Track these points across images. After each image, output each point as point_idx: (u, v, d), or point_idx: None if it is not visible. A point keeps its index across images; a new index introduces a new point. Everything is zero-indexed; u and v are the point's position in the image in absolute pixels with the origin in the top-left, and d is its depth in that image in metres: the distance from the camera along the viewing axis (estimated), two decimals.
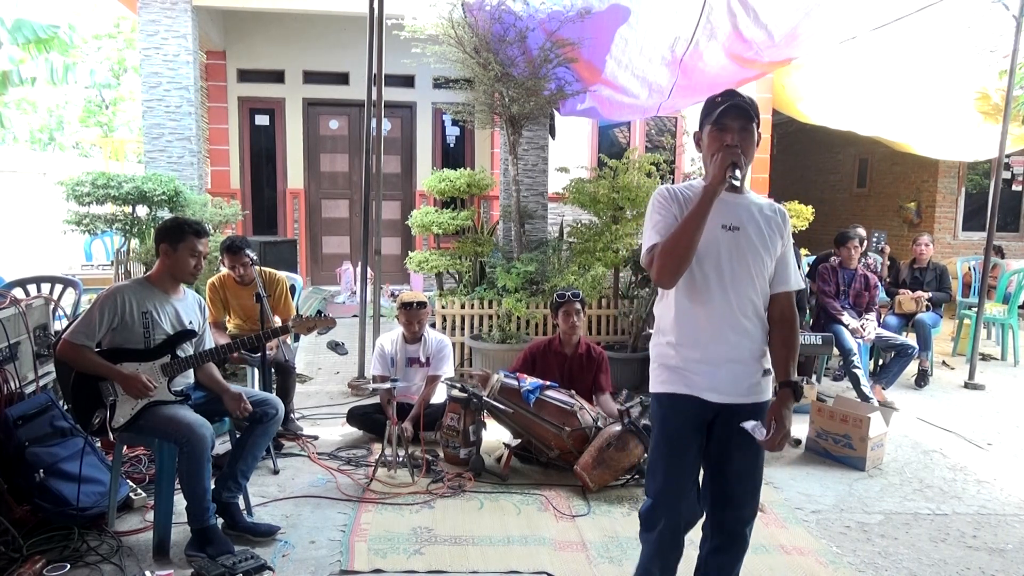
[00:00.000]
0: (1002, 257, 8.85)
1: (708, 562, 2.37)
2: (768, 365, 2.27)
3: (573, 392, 4.10)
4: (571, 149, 8.22)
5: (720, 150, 2.13)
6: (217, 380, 3.24)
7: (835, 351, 5.38)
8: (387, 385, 4.12)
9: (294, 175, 9.76)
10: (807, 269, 7.00)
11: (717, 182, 2.09)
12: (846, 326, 5.38)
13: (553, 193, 7.24)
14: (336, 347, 6.74)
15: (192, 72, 7.27)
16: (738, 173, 2.12)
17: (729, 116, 2.18)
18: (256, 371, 4.60)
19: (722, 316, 2.20)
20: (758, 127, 2.22)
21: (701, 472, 2.37)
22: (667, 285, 2.18)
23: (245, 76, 9.57)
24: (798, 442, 4.50)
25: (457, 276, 6.46)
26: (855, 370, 5.20)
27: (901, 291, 6.24)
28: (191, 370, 3.22)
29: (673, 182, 2.20)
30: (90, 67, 10.83)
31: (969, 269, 7.50)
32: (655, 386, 2.32)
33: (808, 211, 7.84)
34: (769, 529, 3.37)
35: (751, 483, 2.29)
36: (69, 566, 2.83)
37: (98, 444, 3.46)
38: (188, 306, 3.24)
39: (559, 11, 5.49)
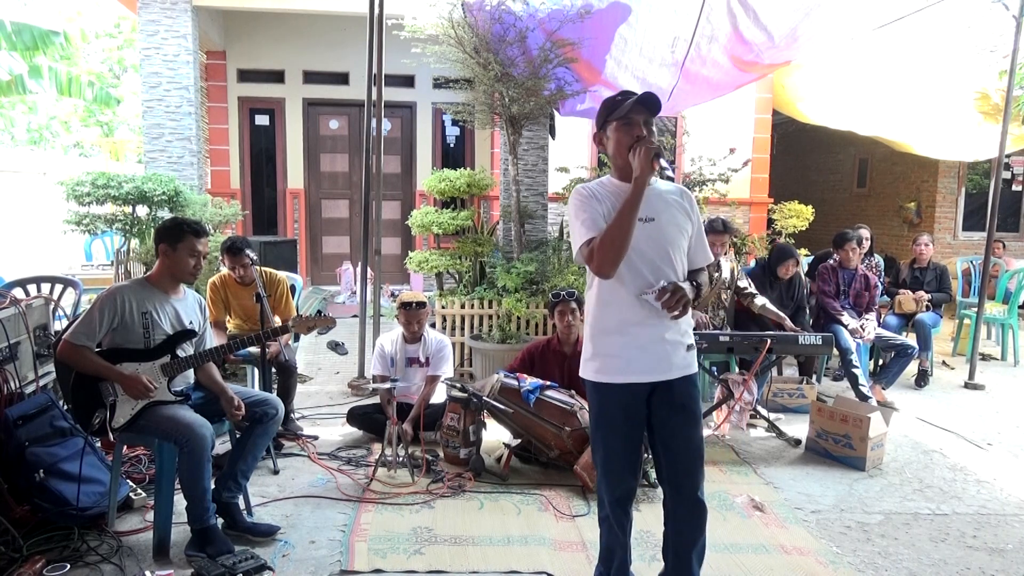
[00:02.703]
0: (1003, 247, 8.72)
1: (676, 532, 2.49)
2: (691, 340, 2.47)
3: (573, 392, 4.10)
4: (571, 149, 8.23)
5: (634, 144, 2.30)
6: (216, 380, 3.24)
7: (835, 351, 5.38)
8: (387, 385, 4.12)
9: (294, 175, 9.77)
10: (806, 268, 7.01)
11: (646, 174, 2.26)
12: (845, 326, 5.38)
13: (553, 193, 7.24)
14: (336, 347, 6.74)
15: (192, 72, 7.27)
16: (663, 162, 2.26)
17: (633, 111, 2.35)
18: (256, 371, 4.60)
19: (648, 301, 2.34)
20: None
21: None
22: (608, 275, 2.31)
23: (245, 76, 9.57)
24: (798, 442, 4.50)
25: (457, 276, 6.46)
26: (854, 370, 5.20)
27: (901, 291, 6.24)
28: (191, 370, 3.22)
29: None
30: (89, 79, 10.86)
31: (969, 264, 7.47)
32: (589, 374, 2.47)
33: (808, 211, 7.87)
34: (769, 529, 3.37)
35: (697, 451, 2.46)
36: (69, 566, 2.82)
37: (98, 444, 3.46)
38: (188, 306, 3.24)
39: (559, 10, 5.49)
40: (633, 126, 2.34)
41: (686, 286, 2.36)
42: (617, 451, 2.45)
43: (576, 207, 2.38)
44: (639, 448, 2.52)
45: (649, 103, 2.34)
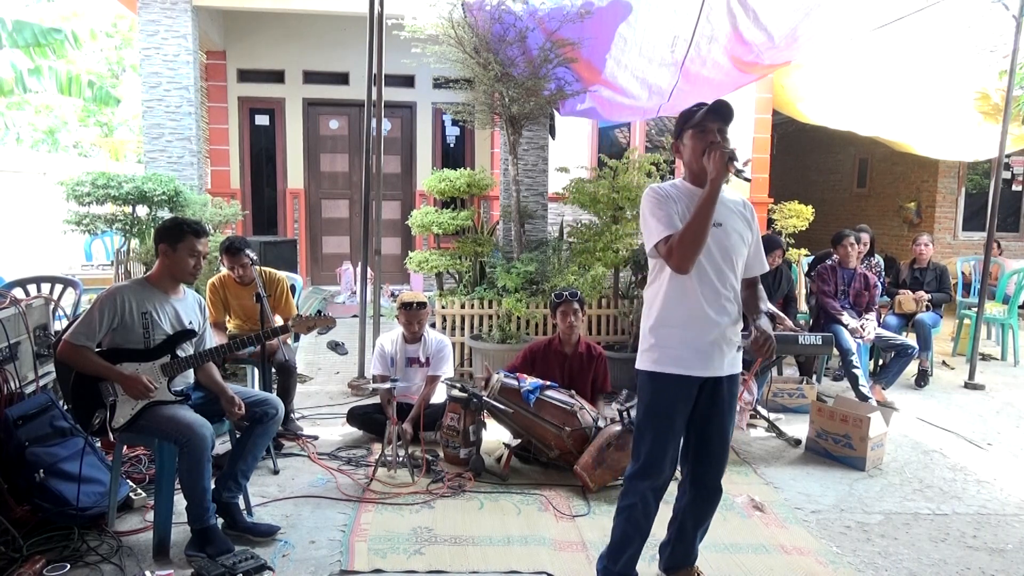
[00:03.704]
0: (999, 248, 8.71)
1: (687, 511, 2.72)
2: (740, 342, 2.61)
3: (573, 392, 4.10)
4: (571, 149, 8.22)
5: (708, 148, 2.42)
6: (216, 380, 3.24)
7: (835, 351, 5.38)
8: (387, 385, 4.12)
9: (294, 175, 9.76)
10: (806, 268, 7.01)
11: (721, 176, 2.38)
12: (845, 326, 5.38)
13: (553, 193, 7.23)
14: (336, 347, 6.74)
15: (192, 72, 7.27)
16: (738, 164, 2.40)
17: (707, 120, 2.48)
18: (256, 371, 4.60)
19: (712, 302, 2.50)
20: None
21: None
22: (687, 270, 2.43)
23: (245, 76, 9.57)
24: (798, 442, 4.50)
25: (457, 276, 6.46)
26: (854, 370, 5.20)
27: (901, 291, 6.24)
28: (191, 370, 3.22)
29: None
30: (89, 78, 10.86)
31: (970, 264, 7.47)
32: (646, 364, 2.57)
33: (808, 211, 7.86)
34: (769, 529, 3.37)
35: (727, 444, 2.67)
36: (69, 566, 2.83)
37: (98, 444, 3.46)
38: (188, 306, 3.24)
39: (559, 8, 5.48)
40: (707, 133, 2.46)
41: (770, 329, 2.57)
42: (665, 441, 2.56)
43: (652, 205, 2.50)
44: (681, 439, 2.63)
45: (722, 111, 2.48)
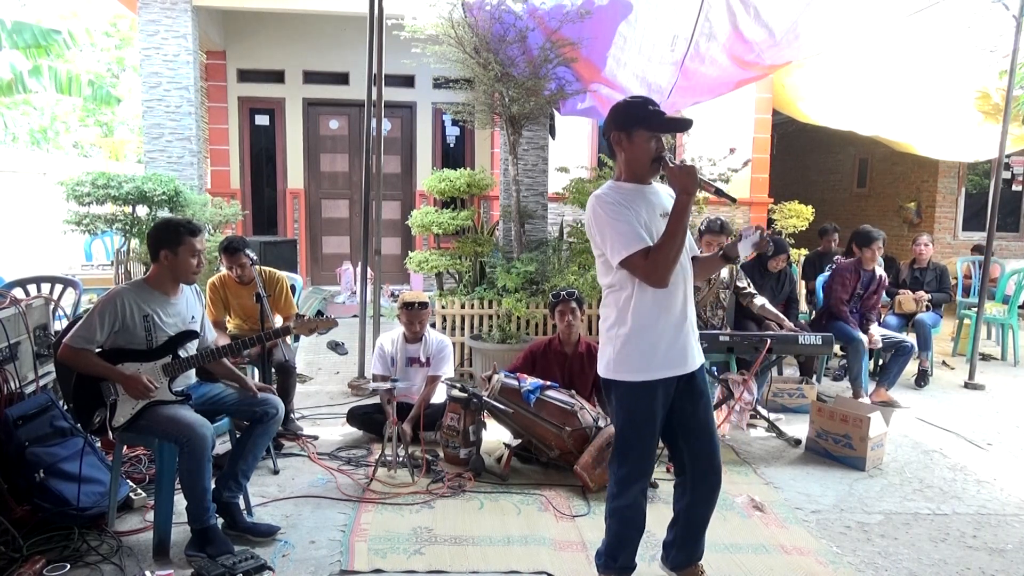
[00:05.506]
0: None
1: (692, 508, 2.68)
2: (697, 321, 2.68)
3: (573, 392, 4.10)
4: (571, 149, 8.22)
5: (664, 161, 2.45)
6: (231, 370, 3.35)
7: (835, 351, 5.37)
8: (387, 385, 4.12)
9: (294, 175, 9.77)
10: (800, 271, 7.02)
11: (694, 192, 2.39)
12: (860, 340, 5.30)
13: (553, 193, 7.24)
14: (336, 347, 6.74)
15: (192, 72, 7.27)
16: (717, 185, 2.49)
17: (665, 126, 2.51)
18: (256, 371, 4.60)
19: (680, 300, 2.51)
20: None
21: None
22: (667, 284, 2.42)
23: (245, 76, 9.57)
24: (798, 442, 4.50)
25: (457, 276, 6.46)
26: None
27: (901, 291, 6.23)
28: (191, 370, 3.22)
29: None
30: (89, 78, 10.88)
31: (969, 264, 7.47)
32: (622, 374, 2.51)
33: (808, 211, 7.87)
34: (769, 529, 3.37)
35: (713, 431, 2.66)
36: (69, 566, 2.82)
37: (98, 444, 3.46)
38: (187, 302, 3.25)
39: (560, 6, 5.48)
40: (658, 141, 2.47)
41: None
42: (653, 445, 2.60)
43: (610, 217, 2.42)
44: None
45: (684, 128, 2.53)
